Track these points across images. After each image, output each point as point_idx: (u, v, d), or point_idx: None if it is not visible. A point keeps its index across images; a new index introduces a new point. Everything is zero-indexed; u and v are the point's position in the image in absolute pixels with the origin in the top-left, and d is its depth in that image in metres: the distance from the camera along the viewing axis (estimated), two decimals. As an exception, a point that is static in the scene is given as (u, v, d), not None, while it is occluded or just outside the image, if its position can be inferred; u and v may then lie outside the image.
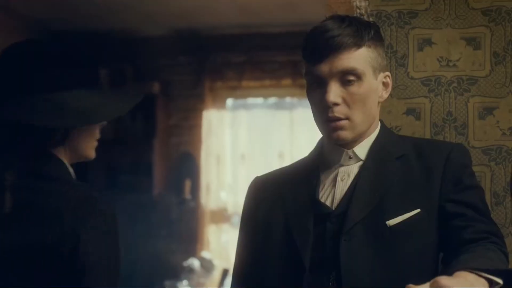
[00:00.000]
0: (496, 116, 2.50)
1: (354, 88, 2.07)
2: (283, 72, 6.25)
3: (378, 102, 2.15)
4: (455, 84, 2.52)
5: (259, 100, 6.45)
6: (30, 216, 2.17)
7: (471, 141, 2.50)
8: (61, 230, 2.12)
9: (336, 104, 2.07)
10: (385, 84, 2.15)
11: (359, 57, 2.08)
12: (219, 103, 6.44)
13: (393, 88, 2.53)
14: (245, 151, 6.34)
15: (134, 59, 6.44)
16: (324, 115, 2.09)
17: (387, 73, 2.16)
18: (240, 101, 6.47)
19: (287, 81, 6.25)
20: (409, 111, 2.54)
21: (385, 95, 2.16)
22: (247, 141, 6.35)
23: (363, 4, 2.55)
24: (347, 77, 2.07)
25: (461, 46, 2.53)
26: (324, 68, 2.07)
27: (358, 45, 2.08)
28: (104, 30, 6.31)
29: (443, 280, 1.70)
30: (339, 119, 2.08)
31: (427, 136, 2.51)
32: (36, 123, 2.14)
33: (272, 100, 6.39)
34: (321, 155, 2.20)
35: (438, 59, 2.54)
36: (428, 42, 2.55)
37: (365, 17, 2.54)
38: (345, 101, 2.08)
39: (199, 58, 6.41)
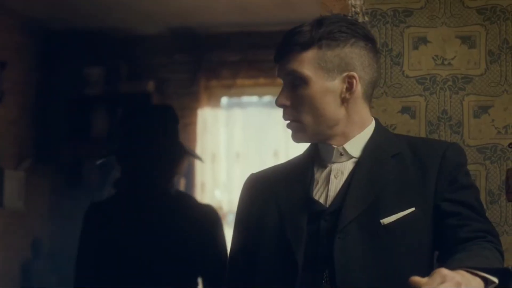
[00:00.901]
0: (491, 115, 2.51)
1: (300, 91, 2.09)
2: (278, 70, 6.24)
3: (344, 102, 2.10)
4: (450, 83, 2.53)
5: (254, 98, 6.45)
6: None
7: (466, 140, 2.50)
8: None
9: (283, 106, 2.11)
10: (350, 84, 2.09)
11: (305, 60, 2.07)
12: (214, 101, 6.43)
13: (388, 87, 2.54)
14: (240, 150, 6.33)
15: (129, 57, 6.43)
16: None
17: (353, 73, 2.09)
18: (235, 100, 6.46)
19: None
20: (404, 110, 2.54)
21: (348, 96, 2.10)
22: (242, 139, 6.34)
23: (358, 2, 2.55)
24: (293, 80, 2.09)
25: (456, 44, 2.54)
26: (278, 71, 2.14)
27: (304, 47, 2.07)
28: (99, 28, 6.30)
29: (446, 271, 1.71)
30: (290, 120, 2.12)
31: (422, 134, 2.51)
32: None
33: (267, 98, 6.38)
34: (315, 153, 2.20)
35: (433, 58, 2.54)
36: (423, 40, 2.55)
37: (360, 16, 2.54)
38: (293, 103, 2.10)
39: (194, 57, 6.40)
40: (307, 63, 2.07)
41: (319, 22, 2.10)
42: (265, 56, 6.25)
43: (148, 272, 3.16)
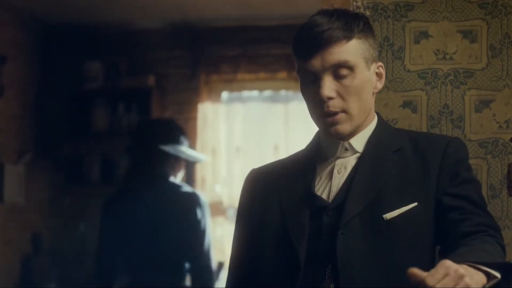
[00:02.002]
0: (493, 109, 2.51)
1: (347, 81, 2.07)
2: (278, 65, 6.24)
3: (373, 93, 2.15)
4: (451, 77, 2.52)
5: (254, 93, 6.44)
6: None
7: (468, 134, 2.50)
8: None
9: (330, 98, 2.06)
10: (378, 75, 2.14)
11: (350, 50, 2.07)
12: (214, 96, 6.42)
13: (389, 81, 2.53)
14: (240, 144, 6.33)
15: (129, 52, 6.43)
16: (320, 110, 2.09)
17: (380, 63, 2.15)
18: (235, 94, 6.45)
19: (282, 74, 6.23)
20: (406, 104, 2.54)
21: (379, 85, 2.15)
22: (242, 134, 6.34)
23: (359, -4, 2.55)
24: (340, 71, 2.06)
25: (458, 39, 2.53)
26: (316, 63, 2.07)
27: (348, 38, 2.07)
28: (98, 23, 6.29)
29: (449, 262, 1.72)
30: (335, 113, 2.08)
31: (424, 129, 2.51)
32: None
33: (267, 93, 6.38)
34: (318, 148, 2.19)
35: (434, 52, 2.54)
36: (425, 35, 2.55)
37: (362, 10, 2.53)
38: (339, 94, 2.07)
39: (194, 51, 6.39)
40: (352, 53, 2.07)
41: (348, 16, 2.10)
42: (265, 51, 6.25)
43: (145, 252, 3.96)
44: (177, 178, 4.21)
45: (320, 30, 2.06)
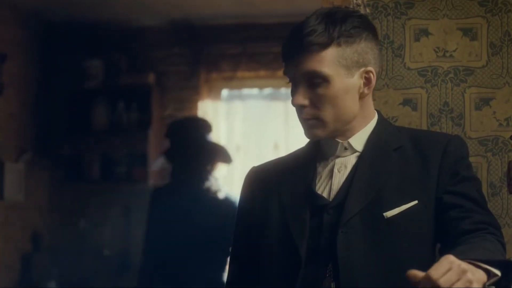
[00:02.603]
0: (493, 107, 2.50)
1: (321, 90, 2.05)
2: (278, 63, 6.17)
3: (360, 98, 2.11)
4: (451, 75, 2.52)
5: (255, 91, 6.44)
6: None
7: (468, 132, 2.50)
8: None
9: (303, 106, 2.07)
10: (367, 80, 2.10)
11: (326, 59, 2.04)
12: (214, 94, 6.42)
13: (389, 79, 2.53)
14: (240, 142, 6.33)
15: (129, 50, 6.43)
16: (298, 114, 2.10)
17: (370, 68, 2.09)
18: (235, 92, 6.45)
19: (282, 72, 6.23)
20: (406, 102, 2.53)
21: (367, 91, 2.10)
22: (242, 132, 6.34)
23: (359, -6, 2.55)
24: (313, 80, 2.05)
25: (458, 36, 2.53)
26: (291, 69, 2.09)
27: (324, 46, 2.04)
28: (98, 21, 6.29)
29: (453, 257, 1.74)
30: (310, 118, 2.08)
31: (424, 127, 2.51)
32: None
33: (267, 91, 6.37)
34: (318, 146, 2.19)
35: (434, 50, 2.53)
36: (425, 32, 2.54)
37: (362, 8, 2.53)
38: (312, 102, 2.07)
39: (194, 49, 6.39)
40: (328, 62, 2.04)
41: (331, 19, 2.06)
42: (265, 49, 6.25)
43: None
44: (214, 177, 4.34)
45: (298, 37, 2.05)
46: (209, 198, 4.22)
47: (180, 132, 4.45)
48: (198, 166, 4.29)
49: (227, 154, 4.46)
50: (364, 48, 2.08)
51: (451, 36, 2.53)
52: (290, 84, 2.12)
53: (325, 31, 2.04)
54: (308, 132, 2.11)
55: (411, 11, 2.55)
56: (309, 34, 2.03)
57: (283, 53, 2.10)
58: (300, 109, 2.08)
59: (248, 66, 6.31)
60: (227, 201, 4.25)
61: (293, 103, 2.08)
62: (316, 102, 2.06)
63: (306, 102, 2.06)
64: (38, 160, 6.20)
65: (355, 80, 2.08)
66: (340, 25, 2.05)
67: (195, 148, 4.30)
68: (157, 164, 4.86)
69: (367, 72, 2.09)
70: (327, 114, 2.07)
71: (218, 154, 4.41)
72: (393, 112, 2.52)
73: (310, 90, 2.06)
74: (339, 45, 2.05)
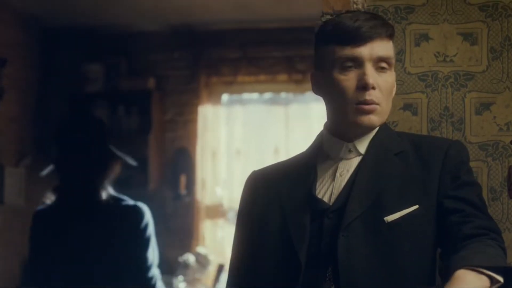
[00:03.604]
0: (493, 112, 2.50)
1: (386, 76, 2.11)
2: (278, 67, 6.24)
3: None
4: (452, 80, 2.52)
5: (255, 95, 6.44)
6: None
7: (468, 137, 2.50)
8: None
9: (374, 88, 2.08)
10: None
11: (391, 48, 2.13)
12: (215, 98, 6.43)
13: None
14: (241, 147, 6.33)
15: (129, 54, 6.43)
16: (357, 98, 2.08)
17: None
18: (236, 97, 6.45)
19: (282, 77, 6.24)
20: (406, 107, 2.54)
21: (393, 92, 2.18)
22: (243, 136, 6.34)
23: (360, -1, 2.55)
24: (382, 64, 2.10)
25: (458, 41, 2.53)
26: (365, 51, 2.08)
27: (390, 37, 2.12)
28: (99, 25, 6.29)
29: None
30: (374, 103, 2.09)
31: (424, 131, 2.51)
32: None
33: (267, 95, 6.38)
34: (320, 150, 2.19)
35: (435, 55, 2.54)
36: (425, 37, 2.54)
37: (362, 12, 2.53)
38: (379, 87, 2.09)
39: (194, 53, 6.39)
40: (392, 52, 2.13)
41: (382, 16, 2.18)
42: (265, 53, 6.26)
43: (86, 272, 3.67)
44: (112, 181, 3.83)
45: (373, 23, 2.09)
46: (105, 210, 3.69)
47: (70, 135, 3.76)
48: (90, 176, 3.69)
49: (125, 159, 4.01)
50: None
51: (452, 41, 2.53)
52: (342, 67, 2.10)
53: (389, 25, 2.13)
54: (363, 118, 2.10)
55: (411, 16, 2.55)
56: (383, 23, 2.11)
57: (350, 35, 2.08)
58: (366, 90, 2.07)
59: (248, 71, 6.32)
60: (130, 210, 3.75)
61: (367, 82, 2.06)
62: (381, 87, 2.09)
63: (375, 84, 2.09)
64: (38, 164, 6.20)
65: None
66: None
67: (86, 154, 3.69)
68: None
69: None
70: (386, 102, 2.12)
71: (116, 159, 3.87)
72: (394, 117, 2.52)
73: (377, 75, 2.09)
74: (392, 40, 2.15)
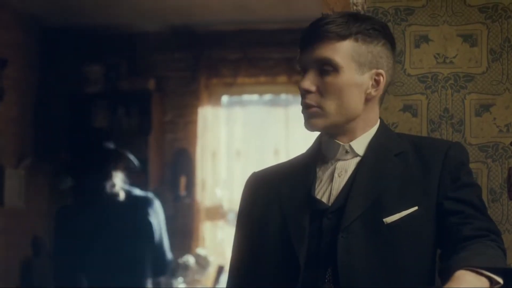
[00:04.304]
0: (493, 113, 2.50)
1: (329, 78, 2.08)
2: (278, 69, 6.25)
3: (367, 99, 2.13)
4: (451, 81, 2.52)
5: (255, 96, 6.45)
6: None
7: (468, 138, 2.50)
8: None
9: (308, 91, 2.09)
10: (376, 82, 2.12)
11: (340, 50, 2.08)
12: (215, 99, 6.43)
13: (389, 85, 2.53)
14: (241, 148, 6.33)
15: (129, 55, 6.43)
16: (302, 102, 2.13)
17: (381, 71, 2.12)
18: (236, 98, 6.46)
19: (282, 78, 6.24)
20: (406, 108, 2.53)
21: (374, 93, 2.13)
22: (243, 137, 6.35)
23: (359, 0, 2.55)
24: (324, 67, 2.08)
25: (458, 43, 2.53)
26: (305, 56, 2.11)
27: (342, 37, 2.08)
28: (99, 26, 6.30)
29: None
30: (311, 106, 2.10)
31: (424, 133, 2.51)
32: None
33: (267, 97, 6.39)
34: (319, 151, 2.19)
35: (434, 56, 2.53)
36: (425, 39, 2.54)
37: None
38: (319, 89, 2.09)
39: (194, 55, 6.40)
40: (342, 53, 2.08)
41: (353, 17, 2.11)
42: (265, 54, 6.26)
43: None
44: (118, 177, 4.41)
45: (317, 26, 2.09)
46: (117, 201, 4.33)
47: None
48: (96, 173, 4.36)
49: (127, 158, 4.62)
50: (379, 52, 2.12)
51: (451, 42, 2.53)
52: (301, 74, 2.15)
53: (345, 24, 2.08)
54: (307, 122, 2.13)
55: (411, 18, 2.55)
56: (328, 24, 2.08)
57: (301, 40, 2.13)
58: (305, 94, 2.10)
59: (248, 72, 6.32)
60: (141, 202, 4.39)
61: (300, 87, 2.10)
62: (322, 90, 2.09)
63: (312, 88, 2.09)
64: (38, 166, 6.20)
65: (364, 78, 2.11)
66: (361, 22, 2.10)
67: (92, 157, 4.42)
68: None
69: (378, 74, 2.12)
70: (330, 104, 2.09)
71: (118, 159, 4.50)
72: (393, 118, 2.52)
73: (319, 77, 2.09)
74: (356, 40, 2.09)
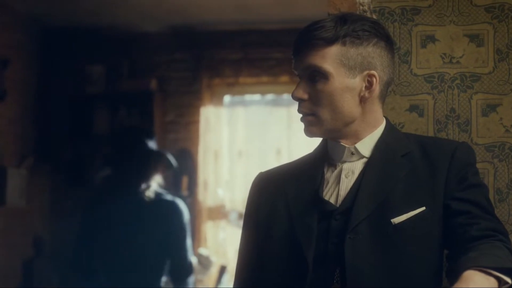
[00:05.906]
0: (499, 113, 2.50)
1: (319, 86, 2.09)
2: (280, 69, 6.25)
3: (363, 101, 2.12)
4: (458, 81, 2.52)
5: (257, 96, 6.45)
6: None
7: (474, 138, 2.50)
8: None
9: (301, 100, 2.11)
10: (369, 83, 2.11)
11: (328, 56, 2.08)
12: (216, 99, 6.43)
13: (396, 85, 2.53)
14: (243, 148, 6.33)
15: (131, 55, 6.43)
16: (298, 110, 2.14)
17: (373, 72, 2.10)
18: (237, 98, 6.46)
19: (284, 78, 6.24)
20: (412, 108, 2.53)
21: (368, 95, 2.11)
22: (245, 137, 6.34)
23: (366, 0, 2.55)
24: (313, 75, 2.09)
25: (464, 43, 2.53)
26: (297, 64, 2.14)
27: (328, 43, 2.07)
28: (100, 26, 6.29)
29: None
30: (306, 114, 2.11)
31: (430, 133, 2.51)
32: None
33: (269, 96, 6.38)
34: (325, 152, 2.19)
35: (441, 56, 2.53)
36: (431, 38, 2.54)
37: (368, 14, 2.53)
38: (311, 97, 2.10)
39: (196, 55, 6.40)
40: (330, 59, 2.07)
41: (342, 19, 2.10)
42: (267, 54, 6.26)
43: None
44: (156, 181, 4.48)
45: (305, 33, 2.10)
46: (147, 203, 4.38)
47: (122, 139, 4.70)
48: (136, 172, 4.42)
49: (168, 160, 4.64)
50: (370, 52, 2.10)
51: (458, 42, 2.53)
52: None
53: (332, 28, 2.07)
54: (306, 129, 2.14)
55: (417, 18, 2.55)
56: (316, 30, 2.08)
57: (293, 47, 2.14)
58: (300, 102, 2.12)
59: (249, 72, 6.32)
60: (169, 207, 4.43)
61: (292, 96, 2.12)
62: (315, 97, 2.09)
63: (305, 96, 2.10)
64: (40, 165, 6.20)
65: (356, 82, 2.09)
66: (349, 25, 2.09)
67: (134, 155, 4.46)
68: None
69: (370, 75, 2.10)
70: (324, 111, 2.09)
71: (159, 160, 4.55)
72: (400, 118, 2.52)
73: (310, 85, 2.10)
74: (343, 44, 2.08)
